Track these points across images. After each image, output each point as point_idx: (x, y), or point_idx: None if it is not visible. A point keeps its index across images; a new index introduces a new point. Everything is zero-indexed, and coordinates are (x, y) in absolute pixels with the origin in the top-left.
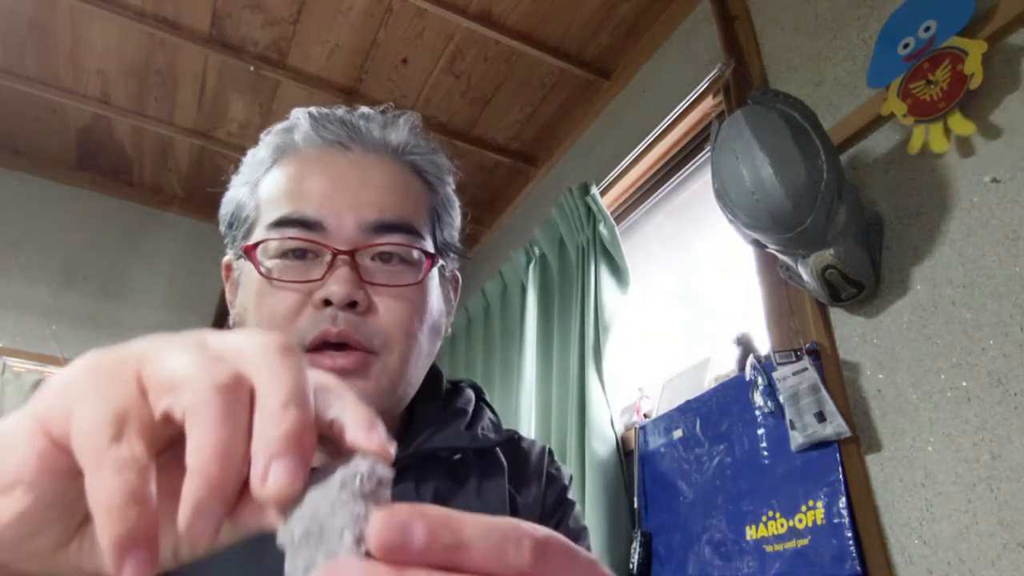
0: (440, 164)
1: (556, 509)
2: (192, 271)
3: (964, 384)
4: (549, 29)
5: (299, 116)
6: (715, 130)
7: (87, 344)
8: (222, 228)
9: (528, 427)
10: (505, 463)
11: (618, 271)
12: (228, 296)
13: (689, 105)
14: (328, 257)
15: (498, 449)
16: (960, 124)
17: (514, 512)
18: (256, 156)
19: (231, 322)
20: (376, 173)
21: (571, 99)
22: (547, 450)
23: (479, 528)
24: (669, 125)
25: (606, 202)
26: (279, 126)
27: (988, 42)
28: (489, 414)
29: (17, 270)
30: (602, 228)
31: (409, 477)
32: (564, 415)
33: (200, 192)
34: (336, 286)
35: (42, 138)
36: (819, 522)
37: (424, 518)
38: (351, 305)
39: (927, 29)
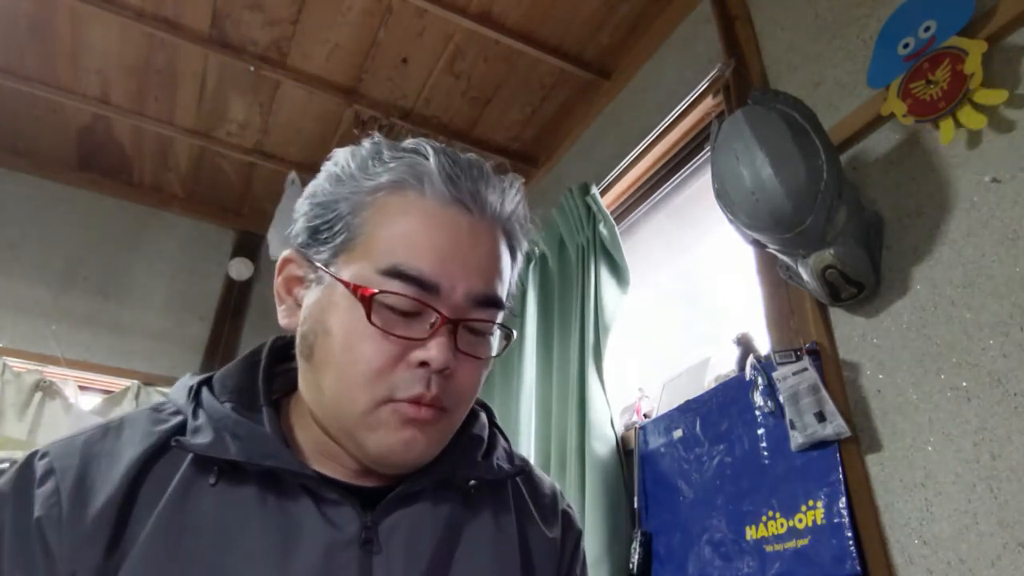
0: (528, 235)
1: (572, 559)
2: (192, 271)
3: (964, 384)
4: (549, 29)
5: (429, 154)
6: (715, 130)
7: (87, 344)
8: (300, 224)
9: (528, 427)
10: (524, 492)
11: (618, 271)
12: (287, 301)
13: (689, 105)
14: (433, 319)
15: (511, 480)
16: (970, 117)
17: (524, 544)
18: (368, 170)
19: (300, 334)
20: (489, 242)
21: (571, 99)
22: (556, 487)
23: None
24: (669, 125)
25: (606, 202)
26: (404, 150)
27: (988, 42)
28: (503, 441)
29: (17, 270)
30: (602, 228)
31: (425, 500)
32: (564, 415)
33: (200, 192)
34: (438, 352)
35: (42, 138)
36: (819, 522)
37: None
38: (442, 370)
39: (927, 29)
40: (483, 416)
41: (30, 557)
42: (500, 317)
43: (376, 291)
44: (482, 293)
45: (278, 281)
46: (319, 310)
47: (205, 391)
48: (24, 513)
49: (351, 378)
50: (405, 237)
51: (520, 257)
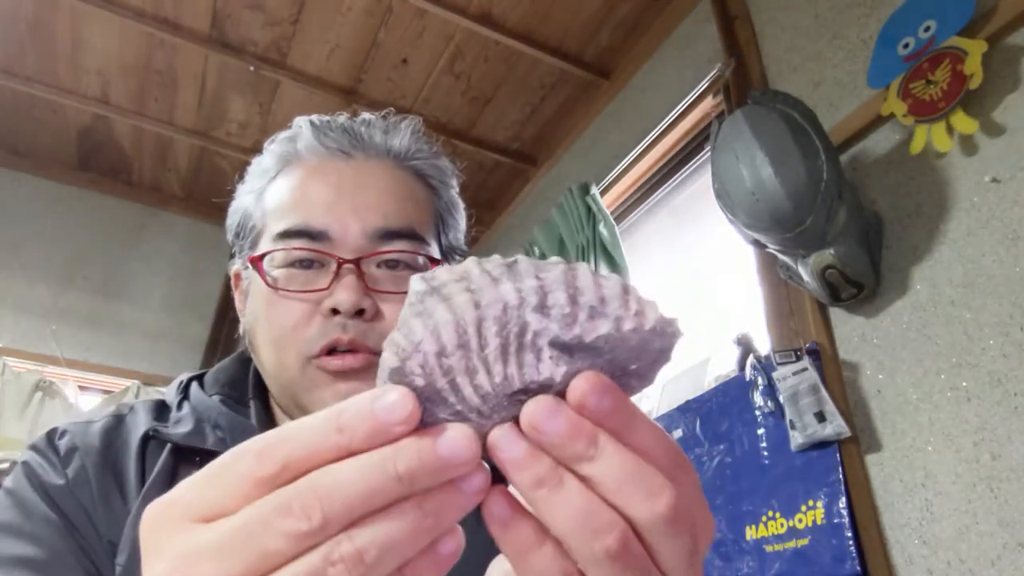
0: (443, 168)
1: None
2: (192, 271)
3: (964, 384)
4: (549, 29)
5: (301, 124)
6: (715, 130)
7: (87, 344)
8: (229, 237)
9: None
10: None
11: (618, 271)
12: (238, 306)
13: (689, 105)
14: (334, 266)
15: None
16: (963, 122)
17: None
18: (260, 165)
19: (241, 330)
20: (379, 179)
21: (571, 99)
22: None
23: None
24: (669, 125)
25: (606, 202)
26: (282, 135)
27: (988, 42)
28: None
29: (17, 270)
30: (602, 228)
31: None
32: None
33: (200, 192)
34: (343, 295)
35: (42, 138)
36: (819, 522)
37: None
38: (359, 313)
39: (927, 29)
40: None
41: (64, 520)
42: (431, 251)
43: (260, 253)
44: (382, 227)
45: (236, 297)
46: (249, 301)
47: (195, 385)
48: (53, 479)
49: (274, 345)
50: (290, 199)
51: (447, 191)
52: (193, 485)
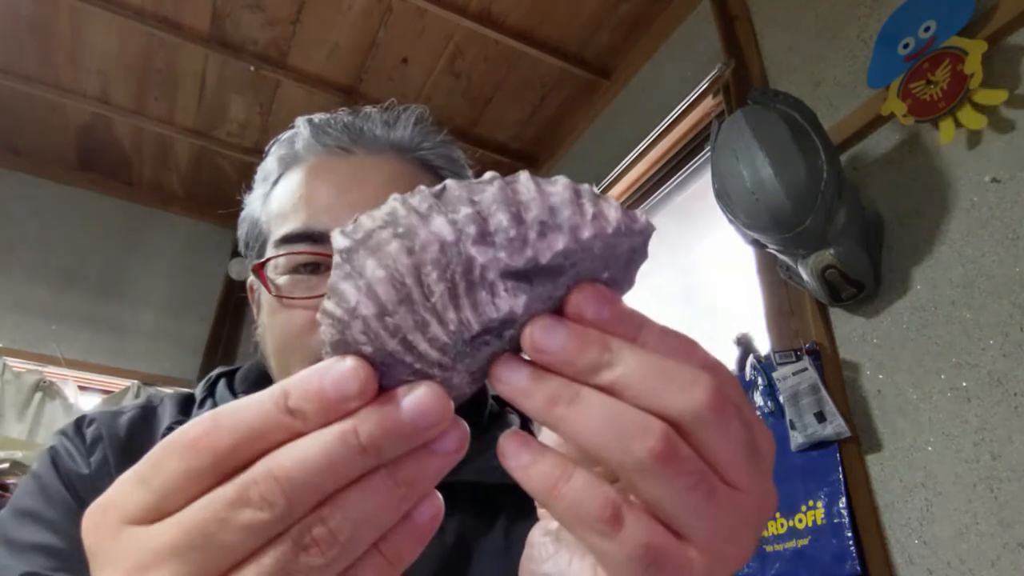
0: (454, 157)
1: None
2: (192, 271)
3: (964, 384)
4: (549, 29)
5: (300, 124)
6: (715, 130)
7: (87, 344)
8: (241, 248)
9: None
10: None
11: None
12: (255, 316)
13: (689, 105)
14: None
15: None
16: (970, 117)
17: None
18: (264, 170)
19: (254, 341)
20: (379, 174)
21: (571, 99)
22: None
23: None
24: (669, 125)
25: None
26: (283, 136)
27: (988, 42)
28: None
29: (17, 270)
30: None
31: None
32: None
33: (200, 192)
34: None
35: (42, 138)
36: (819, 522)
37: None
38: None
39: (927, 29)
40: (514, 417)
41: (81, 506)
42: None
43: (260, 261)
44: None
45: (253, 309)
46: (260, 311)
47: (222, 382)
48: (78, 468)
49: (279, 354)
50: (291, 203)
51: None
52: (125, 485)
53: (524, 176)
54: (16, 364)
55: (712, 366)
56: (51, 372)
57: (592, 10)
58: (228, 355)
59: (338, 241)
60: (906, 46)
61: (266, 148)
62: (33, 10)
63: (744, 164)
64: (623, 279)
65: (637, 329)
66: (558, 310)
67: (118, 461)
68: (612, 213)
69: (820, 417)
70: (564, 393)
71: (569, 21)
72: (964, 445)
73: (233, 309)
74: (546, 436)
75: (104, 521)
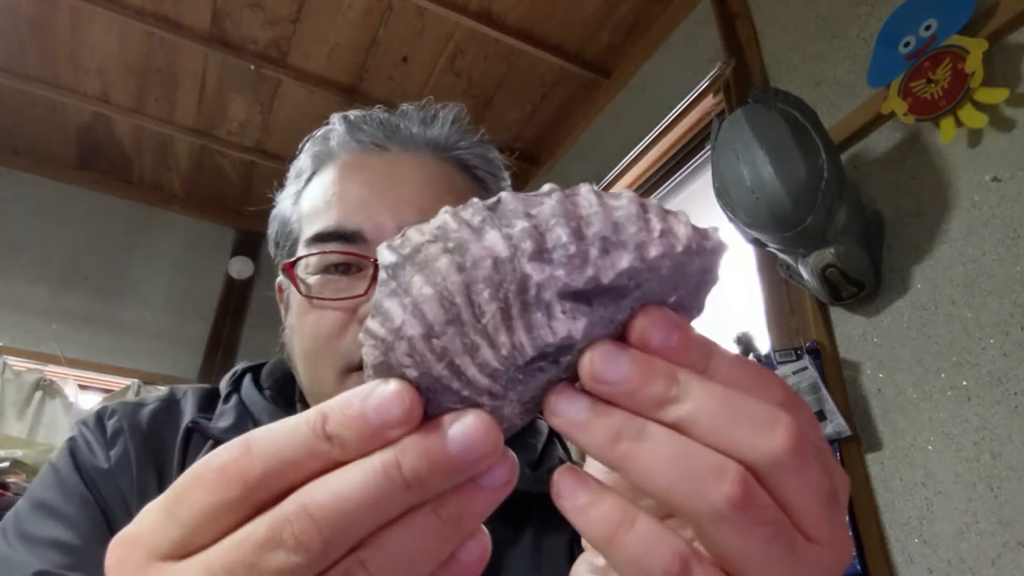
0: (490, 157)
1: None
2: (192, 271)
3: (964, 383)
4: (549, 28)
5: (335, 121)
6: (715, 129)
7: (87, 343)
8: (271, 248)
9: None
10: None
11: None
12: (282, 316)
13: (689, 104)
14: (371, 269)
15: None
16: (971, 116)
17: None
18: (296, 167)
19: (280, 342)
20: (414, 172)
21: (571, 98)
22: None
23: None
24: (669, 124)
25: None
26: (318, 133)
27: (989, 40)
28: (561, 451)
29: (17, 270)
30: None
31: None
32: None
33: (200, 191)
34: None
35: (42, 138)
36: None
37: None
38: None
39: (928, 28)
40: (541, 423)
41: (102, 505)
42: None
43: (292, 259)
44: (419, 222)
45: (281, 309)
46: (288, 312)
47: (248, 377)
48: (97, 462)
49: (307, 357)
50: (323, 200)
51: (497, 183)
52: (152, 517)
53: (585, 188)
54: (16, 363)
55: (791, 403)
56: (51, 371)
57: (592, 9)
58: (228, 354)
59: (384, 256)
60: (907, 45)
61: (300, 145)
62: (33, 10)
63: (744, 163)
64: (692, 304)
65: (707, 358)
66: (620, 336)
67: (139, 454)
68: (682, 230)
69: (820, 416)
70: (628, 429)
71: (569, 20)
72: (964, 444)
73: (233, 308)
74: (591, 466)
75: (130, 557)
